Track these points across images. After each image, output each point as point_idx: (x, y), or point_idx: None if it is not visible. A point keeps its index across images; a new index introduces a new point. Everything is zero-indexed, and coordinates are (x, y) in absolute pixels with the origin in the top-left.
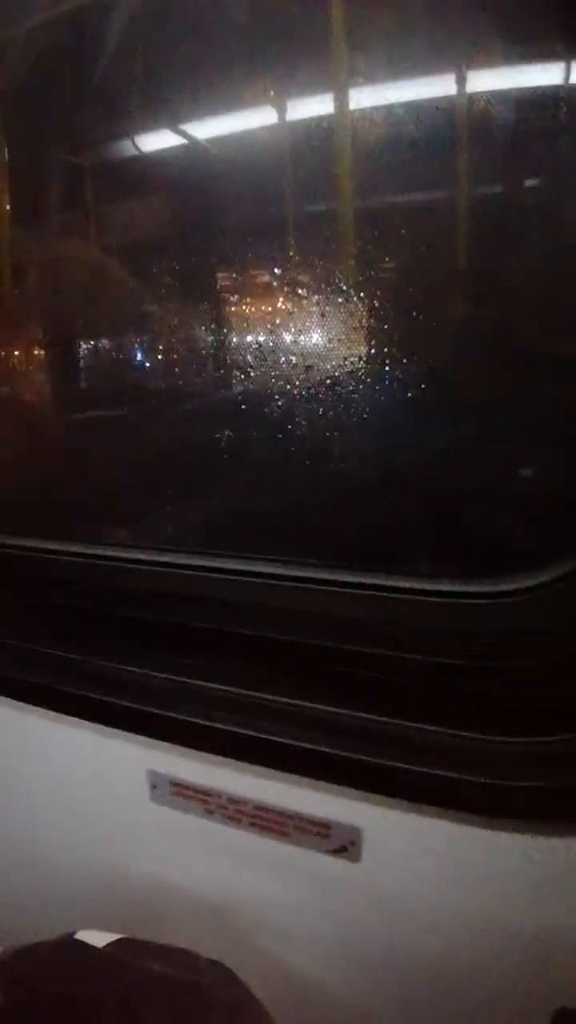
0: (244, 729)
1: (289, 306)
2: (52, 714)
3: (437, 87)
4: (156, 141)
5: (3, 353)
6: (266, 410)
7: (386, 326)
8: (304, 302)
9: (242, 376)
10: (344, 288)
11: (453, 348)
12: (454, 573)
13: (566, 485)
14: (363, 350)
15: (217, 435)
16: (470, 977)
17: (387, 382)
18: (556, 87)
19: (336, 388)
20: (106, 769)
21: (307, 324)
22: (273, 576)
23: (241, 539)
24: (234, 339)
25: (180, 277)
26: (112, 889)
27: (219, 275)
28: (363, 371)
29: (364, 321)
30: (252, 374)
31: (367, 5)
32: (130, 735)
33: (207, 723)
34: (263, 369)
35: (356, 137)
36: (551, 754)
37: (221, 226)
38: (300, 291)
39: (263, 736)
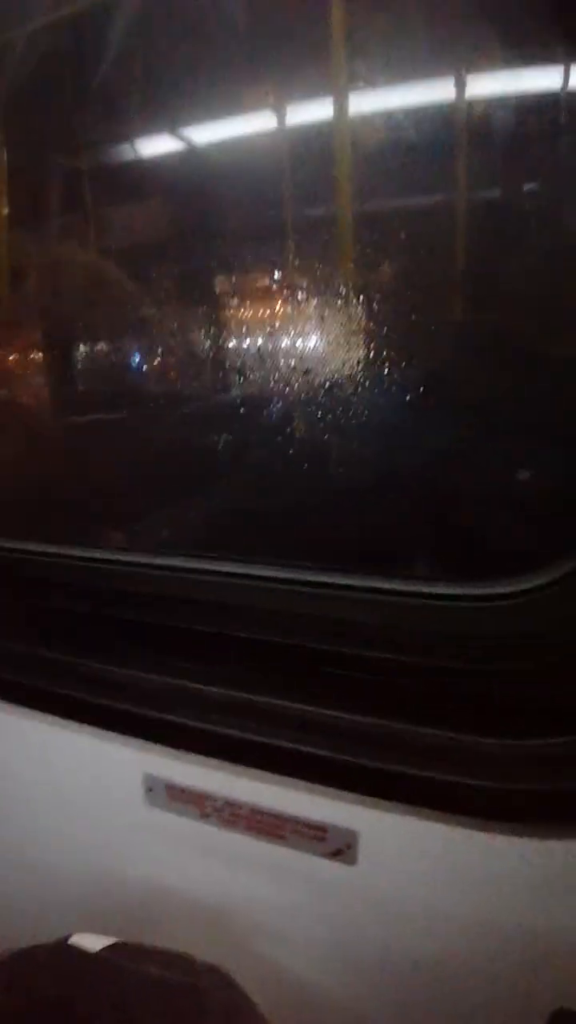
0: (240, 732)
1: (287, 310)
2: (47, 717)
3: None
4: (150, 145)
5: None
6: (263, 413)
7: (381, 329)
8: (302, 305)
9: (239, 379)
10: (342, 291)
11: (448, 351)
12: (450, 575)
13: (558, 487)
14: (359, 353)
15: (213, 439)
16: (466, 980)
17: (383, 385)
18: (554, 91)
19: (333, 391)
20: (102, 772)
21: (305, 328)
22: (270, 579)
23: (240, 542)
24: (231, 343)
25: (176, 280)
26: (108, 893)
27: (215, 279)
28: (359, 374)
29: (360, 324)
30: (249, 377)
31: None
32: (126, 738)
33: (203, 726)
34: (260, 372)
35: (355, 141)
36: (548, 756)
37: (216, 230)
38: (298, 294)
39: (259, 739)
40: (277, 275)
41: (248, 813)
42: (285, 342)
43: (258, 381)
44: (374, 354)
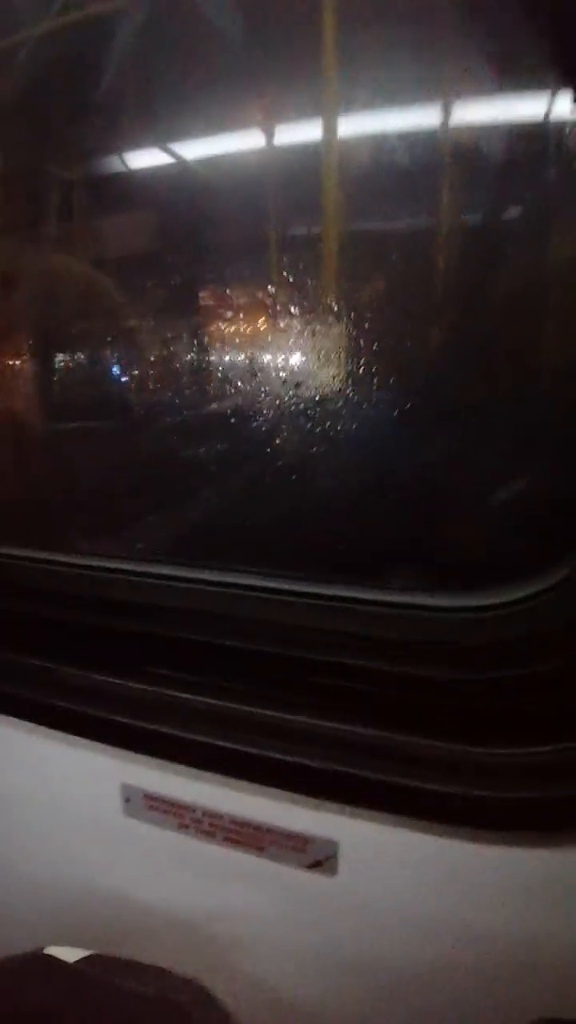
0: (220, 741)
1: (274, 324)
2: (22, 724)
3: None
4: (140, 158)
5: None
6: (250, 425)
7: (364, 345)
8: (290, 321)
9: (226, 391)
10: (330, 308)
11: (433, 365)
12: (440, 585)
13: (547, 495)
14: (345, 369)
15: (199, 450)
16: (448, 991)
17: (370, 399)
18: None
19: (321, 405)
20: (78, 782)
21: (291, 343)
22: (254, 588)
23: (230, 552)
24: (217, 356)
25: (164, 292)
26: (83, 904)
27: (202, 293)
28: (346, 388)
29: (345, 340)
30: (237, 390)
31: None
32: (103, 747)
33: (182, 735)
34: (247, 385)
35: (343, 161)
36: (533, 765)
37: (204, 244)
38: (286, 310)
39: (238, 748)
40: (264, 290)
41: (227, 824)
42: (268, 356)
43: (242, 393)
44: (359, 368)
